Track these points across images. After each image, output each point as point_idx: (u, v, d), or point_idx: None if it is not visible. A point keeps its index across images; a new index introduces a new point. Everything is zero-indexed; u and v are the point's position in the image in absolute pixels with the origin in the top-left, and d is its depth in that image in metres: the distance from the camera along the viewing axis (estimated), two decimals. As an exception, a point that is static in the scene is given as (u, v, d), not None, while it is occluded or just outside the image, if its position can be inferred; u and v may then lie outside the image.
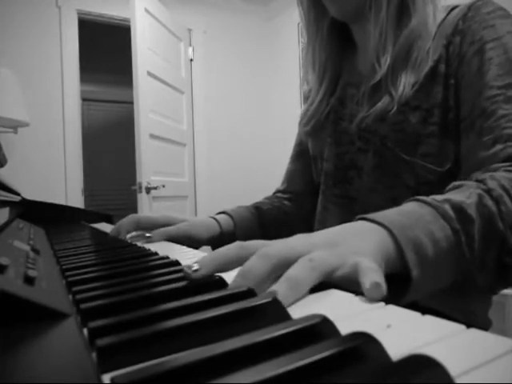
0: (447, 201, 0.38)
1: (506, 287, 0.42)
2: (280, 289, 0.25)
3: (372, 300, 0.25)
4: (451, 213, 0.37)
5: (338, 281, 0.30)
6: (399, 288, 0.34)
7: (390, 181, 0.61)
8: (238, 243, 0.33)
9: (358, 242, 0.33)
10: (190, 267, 0.30)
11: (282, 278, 0.27)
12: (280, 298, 0.24)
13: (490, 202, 0.39)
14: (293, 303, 0.26)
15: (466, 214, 0.37)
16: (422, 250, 0.34)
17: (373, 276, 0.27)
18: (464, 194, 0.40)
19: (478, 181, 0.43)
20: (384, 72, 0.59)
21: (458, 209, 0.38)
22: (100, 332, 0.20)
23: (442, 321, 0.20)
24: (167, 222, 0.68)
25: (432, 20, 0.59)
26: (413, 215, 0.36)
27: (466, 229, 0.37)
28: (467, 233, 0.37)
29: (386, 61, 0.59)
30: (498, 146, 0.47)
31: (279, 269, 0.29)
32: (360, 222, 0.37)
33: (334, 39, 0.71)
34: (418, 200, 0.39)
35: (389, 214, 0.36)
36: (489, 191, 0.40)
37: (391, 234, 0.34)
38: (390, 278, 0.34)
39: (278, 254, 0.29)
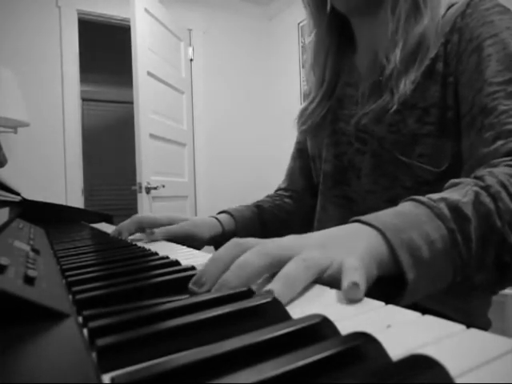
0: (443, 200, 0.38)
1: (506, 286, 0.42)
2: (276, 287, 0.26)
3: (351, 300, 0.25)
4: (447, 212, 0.36)
5: (326, 280, 0.30)
6: (395, 291, 0.34)
7: (388, 182, 0.61)
8: (234, 241, 0.33)
9: (349, 245, 0.32)
10: (195, 283, 0.29)
11: (278, 276, 0.27)
12: (276, 295, 0.24)
13: (487, 200, 0.38)
14: (289, 301, 0.26)
15: (461, 213, 0.36)
16: (417, 252, 0.33)
17: (352, 276, 0.26)
18: (460, 192, 0.39)
19: (476, 177, 0.42)
20: (393, 66, 0.58)
21: (454, 208, 0.37)
22: (100, 332, 0.20)
23: (442, 321, 0.20)
24: (169, 222, 0.68)
25: (440, 20, 0.58)
26: (408, 217, 0.36)
27: (462, 228, 0.36)
28: (463, 232, 0.36)
29: (397, 56, 0.58)
30: (499, 142, 0.47)
31: (273, 267, 0.29)
32: (354, 225, 0.36)
33: (334, 36, 0.71)
34: (413, 200, 0.39)
35: (383, 216, 0.36)
36: (486, 188, 0.39)
37: (384, 237, 0.33)
38: (386, 281, 0.33)
39: (274, 253, 0.30)
